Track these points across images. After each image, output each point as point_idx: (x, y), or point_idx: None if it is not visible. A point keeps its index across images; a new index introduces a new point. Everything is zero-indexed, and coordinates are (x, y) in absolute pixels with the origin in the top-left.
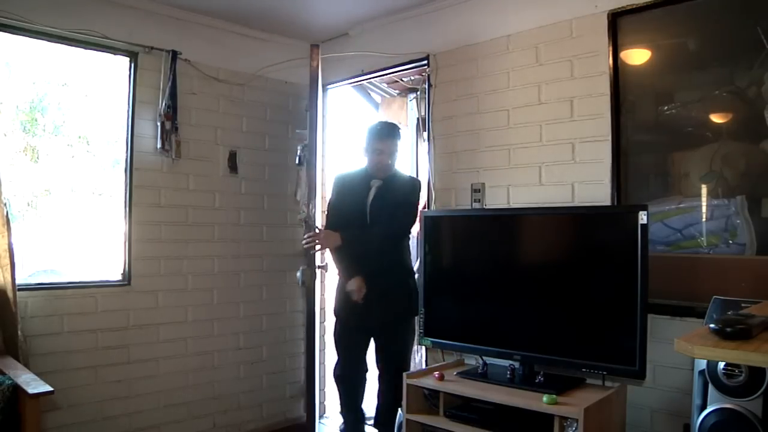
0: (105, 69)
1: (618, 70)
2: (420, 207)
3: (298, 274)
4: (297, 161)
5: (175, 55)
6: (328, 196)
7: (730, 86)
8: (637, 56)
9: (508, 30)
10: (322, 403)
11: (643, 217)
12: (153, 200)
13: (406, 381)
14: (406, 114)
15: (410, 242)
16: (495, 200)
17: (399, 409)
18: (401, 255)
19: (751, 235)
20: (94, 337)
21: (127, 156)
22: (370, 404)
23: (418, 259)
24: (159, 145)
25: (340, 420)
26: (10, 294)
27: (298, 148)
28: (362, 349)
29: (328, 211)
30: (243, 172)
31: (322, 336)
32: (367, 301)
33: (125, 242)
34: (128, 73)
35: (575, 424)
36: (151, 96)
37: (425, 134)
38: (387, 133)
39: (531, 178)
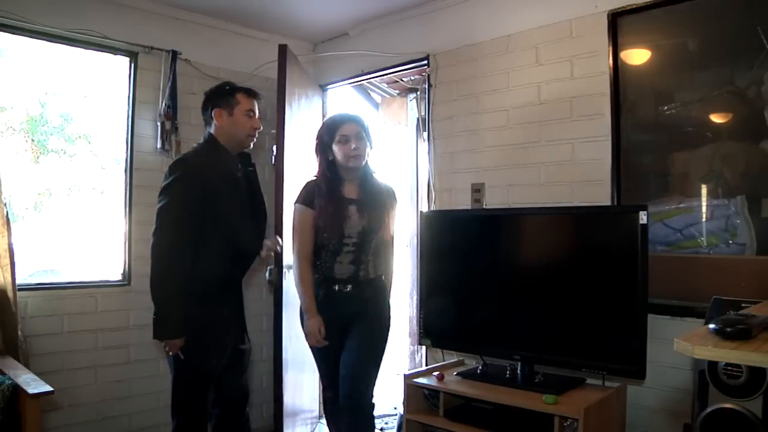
0: (105, 69)
1: (618, 70)
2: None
3: (266, 274)
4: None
5: (175, 55)
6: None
7: (730, 86)
8: (637, 56)
9: (508, 30)
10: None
11: (642, 217)
12: (153, 200)
13: (406, 381)
14: (406, 114)
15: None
16: (495, 200)
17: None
18: None
19: (751, 235)
20: (94, 337)
21: (127, 156)
22: None
23: (417, 259)
24: (159, 145)
25: None
26: (10, 294)
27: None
28: None
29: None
30: None
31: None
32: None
33: (125, 242)
34: (128, 73)
35: (575, 424)
36: (151, 96)
37: (425, 134)
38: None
39: (531, 178)
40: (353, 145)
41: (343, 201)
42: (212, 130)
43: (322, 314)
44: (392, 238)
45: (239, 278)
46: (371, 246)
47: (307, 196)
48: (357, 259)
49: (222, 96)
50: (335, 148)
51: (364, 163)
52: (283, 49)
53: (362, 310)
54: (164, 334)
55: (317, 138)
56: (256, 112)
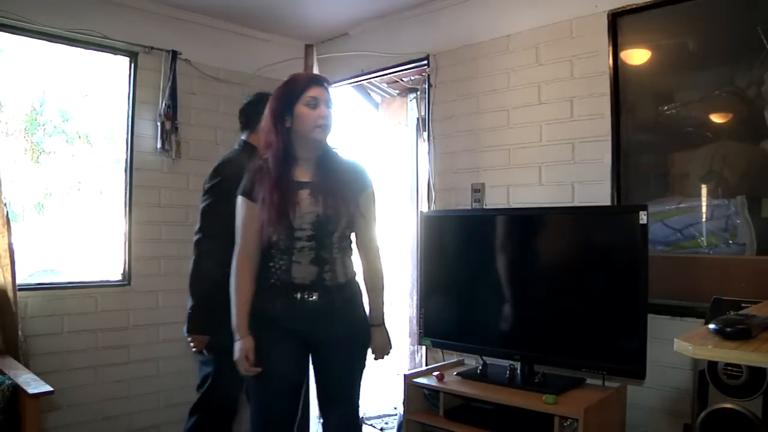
0: (105, 69)
1: (618, 70)
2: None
3: None
4: None
5: (175, 55)
6: None
7: (730, 86)
8: (637, 56)
9: (508, 30)
10: None
11: (643, 217)
12: (153, 200)
13: (406, 381)
14: (406, 114)
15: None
16: (495, 200)
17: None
18: None
19: (751, 235)
20: (94, 337)
21: (127, 156)
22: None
23: (418, 259)
24: (159, 145)
25: None
26: (10, 294)
27: None
28: None
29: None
30: None
31: None
32: None
33: (125, 242)
34: (128, 73)
35: (575, 424)
36: (151, 96)
37: (425, 134)
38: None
39: (531, 178)
40: (323, 112)
41: (292, 185)
42: (250, 137)
43: (274, 328)
44: (373, 229)
45: None
46: (334, 240)
47: (248, 185)
48: (318, 257)
49: None
50: (299, 111)
51: (326, 139)
52: (309, 50)
53: (334, 328)
54: (191, 328)
55: (275, 99)
56: None
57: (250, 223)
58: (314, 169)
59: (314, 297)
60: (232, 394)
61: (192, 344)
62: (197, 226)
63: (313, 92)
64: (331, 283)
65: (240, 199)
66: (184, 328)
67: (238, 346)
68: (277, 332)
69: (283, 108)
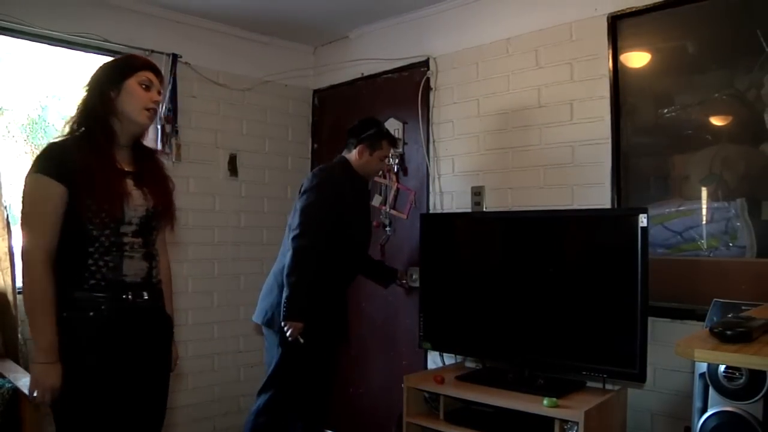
0: None
1: (618, 73)
2: None
3: (414, 276)
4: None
5: (175, 58)
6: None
7: (730, 89)
8: (636, 59)
9: (508, 33)
10: None
11: (643, 220)
12: None
13: (405, 384)
14: None
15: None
16: (495, 203)
17: None
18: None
19: (751, 237)
20: None
21: None
22: None
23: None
24: (159, 148)
25: None
26: (10, 297)
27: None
28: None
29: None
30: (243, 175)
31: None
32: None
33: None
34: None
35: (576, 428)
36: None
37: (425, 137)
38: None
39: (531, 181)
40: (155, 97)
41: (120, 171)
42: (349, 156)
43: (101, 343)
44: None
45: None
46: (154, 237)
47: (55, 163)
48: (148, 253)
49: (373, 136)
50: (131, 87)
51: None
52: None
53: (159, 337)
54: (289, 316)
55: (104, 67)
56: (390, 158)
57: (54, 211)
58: (130, 158)
59: (145, 296)
60: (304, 370)
61: (288, 332)
62: (296, 223)
63: (149, 75)
64: (156, 281)
65: (40, 179)
66: (260, 318)
67: (43, 371)
68: (108, 344)
69: (111, 78)
